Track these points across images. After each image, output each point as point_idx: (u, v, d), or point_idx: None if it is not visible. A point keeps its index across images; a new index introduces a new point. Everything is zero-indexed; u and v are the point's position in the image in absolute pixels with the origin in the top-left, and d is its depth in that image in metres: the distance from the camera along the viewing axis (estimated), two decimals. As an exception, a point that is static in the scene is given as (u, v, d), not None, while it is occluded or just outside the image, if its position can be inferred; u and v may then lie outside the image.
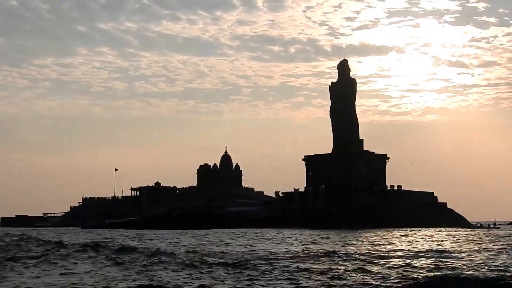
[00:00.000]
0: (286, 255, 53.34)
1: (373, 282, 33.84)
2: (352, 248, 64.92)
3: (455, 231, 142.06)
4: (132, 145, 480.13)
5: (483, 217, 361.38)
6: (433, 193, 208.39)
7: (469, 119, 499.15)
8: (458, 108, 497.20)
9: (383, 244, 72.57)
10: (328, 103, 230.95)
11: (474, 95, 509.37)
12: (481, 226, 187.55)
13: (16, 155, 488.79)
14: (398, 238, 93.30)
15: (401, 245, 70.21)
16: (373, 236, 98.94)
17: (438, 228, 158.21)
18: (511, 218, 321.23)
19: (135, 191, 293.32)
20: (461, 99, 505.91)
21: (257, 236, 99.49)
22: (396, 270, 40.28)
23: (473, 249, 63.25)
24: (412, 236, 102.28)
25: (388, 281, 34.41)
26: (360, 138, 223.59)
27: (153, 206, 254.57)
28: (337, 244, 73.95)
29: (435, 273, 36.33)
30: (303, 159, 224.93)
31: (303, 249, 61.49)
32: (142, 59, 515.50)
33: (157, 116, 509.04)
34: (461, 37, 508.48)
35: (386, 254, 54.43)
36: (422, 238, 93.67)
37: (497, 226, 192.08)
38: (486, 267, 41.22)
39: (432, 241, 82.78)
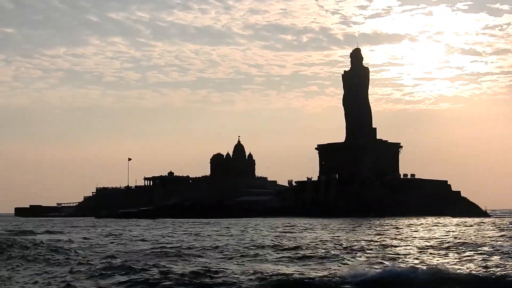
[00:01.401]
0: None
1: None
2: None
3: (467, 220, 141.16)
4: (145, 135, 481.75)
5: (497, 205, 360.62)
6: (446, 181, 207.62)
7: (483, 107, 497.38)
8: (471, 96, 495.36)
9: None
10: (341, 92, 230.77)
11: (487, 83, 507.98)
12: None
13: (29, 146, 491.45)
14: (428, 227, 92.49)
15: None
16: (409, 225, 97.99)
17: (449, 217, 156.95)
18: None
19: (148, 181, 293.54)
20: (474, 87, 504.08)
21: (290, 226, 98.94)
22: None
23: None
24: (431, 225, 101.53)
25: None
26: (373, 126, 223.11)
27: (166, 196, 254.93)
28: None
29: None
30: (316, 148, 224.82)
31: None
32: (154, 49, 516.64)
33: (169, 105, 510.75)
34: (474, 25, 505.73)
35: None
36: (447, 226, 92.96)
37: (490, 214, 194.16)
38: None
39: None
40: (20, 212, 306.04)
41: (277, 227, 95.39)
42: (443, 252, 44.30)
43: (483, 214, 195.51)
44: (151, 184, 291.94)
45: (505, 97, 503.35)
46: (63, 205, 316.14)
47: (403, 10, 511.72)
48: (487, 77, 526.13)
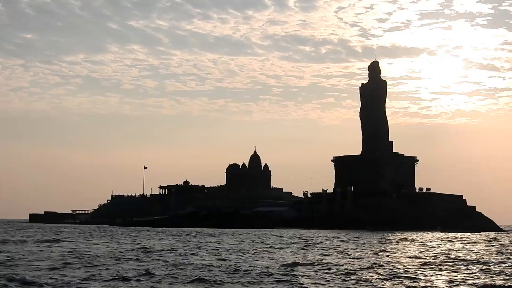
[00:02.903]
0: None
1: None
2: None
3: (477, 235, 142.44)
4: (162, 143, 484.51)
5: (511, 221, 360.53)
6: (461, 196, 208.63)
7: (499, 122, 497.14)
8: (488, 112, 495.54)
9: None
10: (358, 104, 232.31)
11: (504, 98, 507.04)
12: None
13: (45, 151, 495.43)
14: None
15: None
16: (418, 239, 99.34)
17: (453, 232, 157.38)
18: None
19: (163, 190, 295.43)
20: (491, 102, 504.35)
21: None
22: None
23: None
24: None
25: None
26: (389, 140, 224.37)
27: (182, 205, 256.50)
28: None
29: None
30: (332, 160, 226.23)
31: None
32: (173, 57, 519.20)
33: (186, 114, 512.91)
34: (493, 40, 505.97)
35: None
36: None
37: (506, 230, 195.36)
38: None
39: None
40: (34, 218, 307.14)
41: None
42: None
43: (498, 229, 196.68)
44: (166, 192, 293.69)
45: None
46: (78, 212, 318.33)
47: (422, 24, 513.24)
48: (505, 92, 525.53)
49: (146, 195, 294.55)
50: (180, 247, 68.31)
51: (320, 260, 50.45)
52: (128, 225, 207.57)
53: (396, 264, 47.18)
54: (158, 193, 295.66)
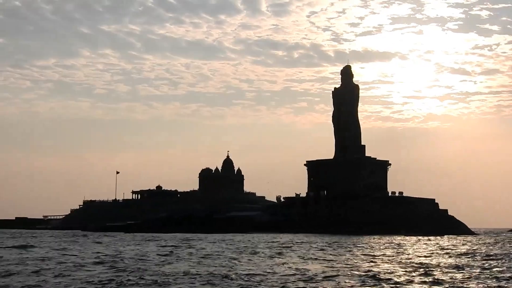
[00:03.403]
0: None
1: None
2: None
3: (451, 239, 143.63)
4: (134, 148, 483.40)
5: (484, 224, 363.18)
6: (434, 200, 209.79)
7: (471, 126, 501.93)
8: (460, 116, 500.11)
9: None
10: (331, 108, 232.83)
11: (476, 102, 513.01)
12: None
13: (17, 156, 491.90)
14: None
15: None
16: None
17: (416, 236, 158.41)
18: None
19: (136, 195, 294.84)
20: (463, 106, 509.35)
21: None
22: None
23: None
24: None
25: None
26: (362, 144, 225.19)
27: (155, 209, 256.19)
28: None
29: None
30: (305, 165, 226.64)
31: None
32: (145, 62, 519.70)
33: (159, 119, 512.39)
34: (464, 45, 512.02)
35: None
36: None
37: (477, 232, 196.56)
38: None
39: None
40: (5, 224, 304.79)
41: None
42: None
43: (470, 232, 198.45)
44: (139, 197, 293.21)
45: (493, 117, 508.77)
46: (49, 217, 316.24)
47: (394, 28, 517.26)
48: (476, 96, 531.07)
49: (119, 200, 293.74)
50: (154, 252, 68.22)
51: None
52: (101, 231, 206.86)
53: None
54: (131, 198, 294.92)
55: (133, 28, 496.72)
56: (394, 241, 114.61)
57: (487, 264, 54.00)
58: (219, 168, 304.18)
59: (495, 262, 57.17)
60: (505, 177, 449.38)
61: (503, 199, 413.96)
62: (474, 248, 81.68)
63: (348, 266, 50.47)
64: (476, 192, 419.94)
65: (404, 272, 45.03)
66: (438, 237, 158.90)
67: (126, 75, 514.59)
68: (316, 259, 58.38)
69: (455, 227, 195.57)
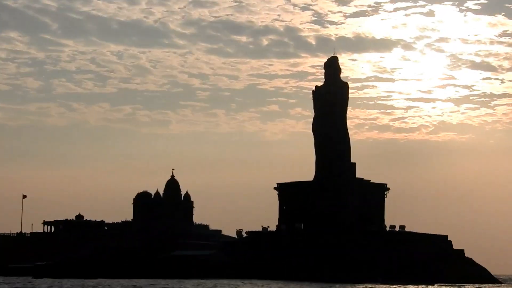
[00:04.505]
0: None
1: None
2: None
3: None
4: (47, 164, 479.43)
5: (510, 270, 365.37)
6: (446, 237, 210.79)
7: (497, 139, 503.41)
8: (482, 125, 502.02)
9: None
10: (311, 113, 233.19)
11: (503, 107, 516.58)
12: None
13: None
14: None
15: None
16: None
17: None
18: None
19: (49, 226, 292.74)
20: (486, 112, 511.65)
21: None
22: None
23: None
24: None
25: None
26: (352, 161, 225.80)
27: (74, 247, 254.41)
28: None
29: None
30: (275, 188, 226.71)
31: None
32: (64, 49, 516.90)
33: (81, 125, 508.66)
34: (488, 31, 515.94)
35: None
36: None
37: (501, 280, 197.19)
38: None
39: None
40: None
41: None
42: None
43: (493, 279, 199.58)
44: (53, 230, 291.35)
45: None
46: None
47: (396, 7, 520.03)
48: (504, 99, 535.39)
49: (25, 233, 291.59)
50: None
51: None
52: (0, 275, 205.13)
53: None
54: (42, 230, 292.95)
55: (47, 4, 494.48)
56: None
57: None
58: (161, 192, 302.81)
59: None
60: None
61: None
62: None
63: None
64: (501, 227, 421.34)
65: None
66: (451, 285, 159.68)
67: (37, 67, 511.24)
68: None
69: (473, 273, 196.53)
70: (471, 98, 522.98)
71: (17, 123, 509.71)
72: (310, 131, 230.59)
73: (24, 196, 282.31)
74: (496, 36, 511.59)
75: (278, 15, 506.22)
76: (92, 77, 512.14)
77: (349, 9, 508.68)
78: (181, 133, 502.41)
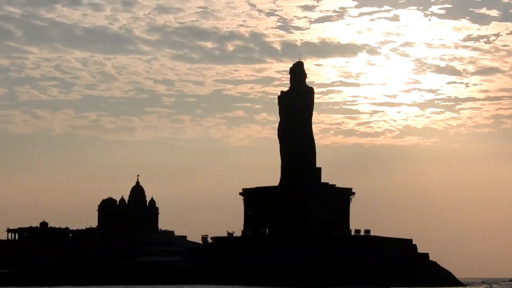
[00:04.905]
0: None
1: None
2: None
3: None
4: (12, 171, 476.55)
5: (475, 273, 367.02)
6: (411, 241, 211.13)
7: (461, 143, 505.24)
8: (446, 129, 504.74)
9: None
10: (276, 119, 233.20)
11: (468, 111, 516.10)
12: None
13: None
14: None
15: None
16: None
17: None
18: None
19: (13, 234, 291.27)
20: (451, 116, 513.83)
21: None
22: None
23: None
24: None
25: None
26: (317, 166, 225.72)
27: (38, 254, 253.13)
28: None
29: None
30: (240, 193, 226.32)
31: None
32: (28, 56, 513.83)
33: (46, 132, 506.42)
34: (453, 35, 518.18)
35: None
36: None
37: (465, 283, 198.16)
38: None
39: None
40: None
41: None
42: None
43: (458, 283, 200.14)
44: (17, 237, 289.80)
45: (490, 131, 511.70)
46: None
47: (361, 12, 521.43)
48: (468, 103, 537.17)
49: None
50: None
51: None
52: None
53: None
54: (6, 238, 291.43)
55: (11, 11, 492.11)
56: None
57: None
58: (126, 199, 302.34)
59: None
60: (506, 211, 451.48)
61: (502, 240, 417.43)
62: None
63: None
64: (466, 231, 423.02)
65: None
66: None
67: (1, 74, 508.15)
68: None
69: (438, 276, 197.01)
70: (435, 102, 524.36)
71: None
72: (276, 136, 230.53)
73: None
74: (461, 40, 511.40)
75: (244, 21, 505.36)
76: (56, 84, 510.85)
77: (314, 15, 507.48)
78: (146, 139, 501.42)
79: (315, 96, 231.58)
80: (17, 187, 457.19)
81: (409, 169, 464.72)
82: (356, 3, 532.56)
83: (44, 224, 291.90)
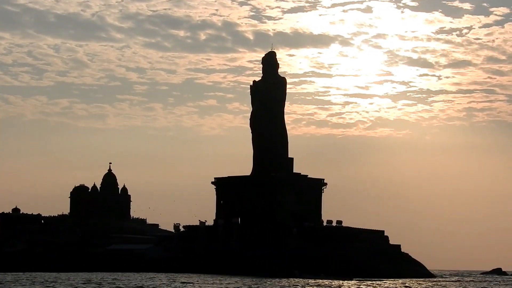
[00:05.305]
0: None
1: None
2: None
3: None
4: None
5: (447, 266, 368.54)
6: (383, 232, 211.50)
7: (433, 135, 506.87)
8: (418, 121, 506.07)
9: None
10: (248, 108, 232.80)
11: (440, 104, 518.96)
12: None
13: None
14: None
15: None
16: None
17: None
18: (485, 267, 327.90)
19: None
20: (423, 108, 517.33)
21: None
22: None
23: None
24: None
25: None
26: (289, 156, 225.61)
27: (9, 240, 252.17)
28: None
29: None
30: (212, 183, 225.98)
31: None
32: (0, 42, 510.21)
33: (17, 119, 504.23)
34: (425, 28, 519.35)
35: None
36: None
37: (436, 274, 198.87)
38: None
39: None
40: None
41: None
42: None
43: (429, 275, 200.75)
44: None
45: (462, 124, 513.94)
46: None
47: (333, 3, 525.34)
48: (440, 96, 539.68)
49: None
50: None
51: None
52: None
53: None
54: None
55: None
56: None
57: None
58: (98, 186, 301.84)
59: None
60: (478, 203, 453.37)
61: (474, 233, 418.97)
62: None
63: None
64: (438, 223, 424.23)
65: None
66: (387, 280, 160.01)
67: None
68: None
69: (409, 268, 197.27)
70: (408, 94, 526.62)
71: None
72: (248, 126, 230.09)
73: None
74: (433, 32, 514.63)
75: (216, 10, 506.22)
76: (28, 70, 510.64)
77: (287, 5, 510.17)
78: (118, 127, 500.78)
79: (288, 86, 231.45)
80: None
81: (381, 160, 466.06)
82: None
83: (16, 210, 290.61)
